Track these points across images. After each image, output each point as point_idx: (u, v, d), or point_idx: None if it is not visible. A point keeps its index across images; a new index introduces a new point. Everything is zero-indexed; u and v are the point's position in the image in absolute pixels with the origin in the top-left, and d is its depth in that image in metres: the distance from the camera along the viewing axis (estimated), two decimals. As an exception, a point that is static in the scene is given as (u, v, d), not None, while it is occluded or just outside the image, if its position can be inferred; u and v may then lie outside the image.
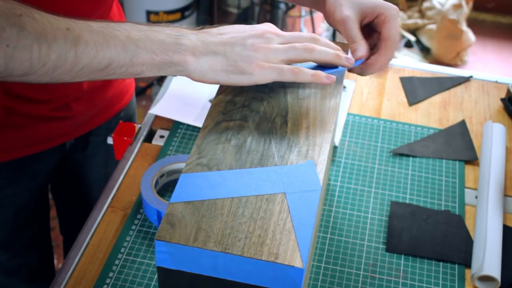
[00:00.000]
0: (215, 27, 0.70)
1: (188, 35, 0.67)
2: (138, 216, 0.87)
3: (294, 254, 0.55)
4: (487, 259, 0.80)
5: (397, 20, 0.77)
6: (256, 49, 0.68)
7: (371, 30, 0.79)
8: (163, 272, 0.60)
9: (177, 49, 0.65)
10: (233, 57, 0.67)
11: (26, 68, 0.60)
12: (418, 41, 2.85)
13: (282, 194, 0.61)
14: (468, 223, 0.89)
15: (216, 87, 1.08)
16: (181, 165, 0.91)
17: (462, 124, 1.06)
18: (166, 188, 0.92)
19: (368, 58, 0.77)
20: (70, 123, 0.97)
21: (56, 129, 0.96)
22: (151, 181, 0.87)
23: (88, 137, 1.05)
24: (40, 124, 0.93)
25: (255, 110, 0.70)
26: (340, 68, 0.73)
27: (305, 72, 0.69)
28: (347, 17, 0.76)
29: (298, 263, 0.55)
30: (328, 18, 0.80)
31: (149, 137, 1.03)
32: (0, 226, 1.01)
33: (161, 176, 0.90)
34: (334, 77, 0.70)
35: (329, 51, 0.71)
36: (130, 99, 1.11)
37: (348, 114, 1.07)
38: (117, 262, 0.81)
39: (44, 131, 0.94)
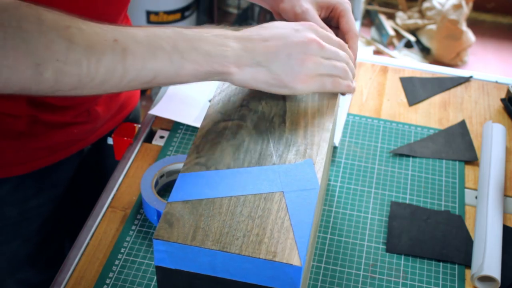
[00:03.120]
0: (256, 27, 0.68)
1: (231, 43, 0.65)
2: (138, 216, 0.87)
3: (292, 253, 0.55)
4: (487, 259, 0.80)
5: (351, 12, 0.79)
6: (301, 63, 0.67)
7: (328, 26, 0.81)
8: (161, 272, 0.60)
9: (222, 62, 0.64)
10: (276, 70, 0.66)
11: (75, 83, 0.58)
12: (418, 41, 2.85)
13: (280, 193, 0.61)
14: (468, 223, 0.89)
15: (215, 87, 1.08)
16: (181, 165, 0.91)
17: (462, 124, 1.06)
18: (166, 188, 0.92)
19: None
20: (88, 128, 0.97)
21: (76, 135, 0.96)
22: (151, 181, 0.87)
23: (102, 141, 1.05)
24: (62, 131, 0.93)
25: (253, 109, 0.70)
26: None
27: (342, 83, 0.70)
28: (307, 10, 0.78)
29: (296, 261, 0.55)
30: (286, 14, 0.81)
31: (149, 137, 1.03)
32: (26, 240, 1.00)
33: (161, 176, 0.90)
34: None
35: (352, 82, 0.73)
36: (137, 102, 1.12)
37: (348, 114, 1.07)
38: (117, 262, 0.81)
39: (65, 137, 0.94)
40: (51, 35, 0.55)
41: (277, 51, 0.66)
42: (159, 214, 0.82)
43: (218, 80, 0.67)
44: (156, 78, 0.62)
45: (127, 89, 0.63)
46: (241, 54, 0.65)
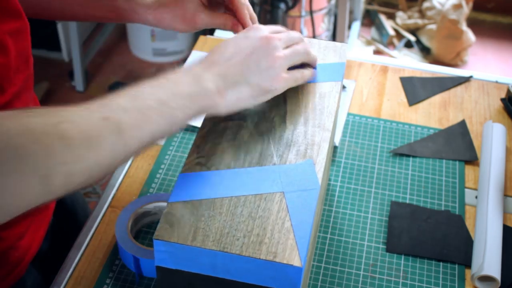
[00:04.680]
0: (210, 53, 0.68)
1: (204, 75, 0.64)
2: (138, 216, 0.87)
3: (293, 253, 0.55)
4: (487, 259, 0.80)
5: None
6: (271, 64, 0.67)
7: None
8: (162, 272, 0.60)
9: (206, 95, 0.63)
10: (255, 81, 0.66)
11: (85, 177, 0.54)
12: (418, 41, 2.85)
13: (280, 193, 0.61)
14: (468, 223, 0.89)
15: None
16: (159, 204, 0.85)
17: (462, 124, 1.06)
18: (146, 230, 0.86)
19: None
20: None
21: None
22: (126, 225, 0.81)
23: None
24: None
25: (253, 109, 0.70)
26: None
27: (307, 74, 0.73)
28: None
29: (296, 261, 0.55)
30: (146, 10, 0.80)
31: (149, 137, 1.03)
32: None
33: (137, 218, 0.84)
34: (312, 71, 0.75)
35: (313, 53, 0.75)
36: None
37: (348, 114, 1.07)
38: (117, 262, 0.81)
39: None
40: (46, 140, 0.50)
41: (246, 63, 0.66)
42: (136, 261, 0.77)
43: (207, 113, 0.67)
44: (154, 138, 0.60)
45: (133, 155, 0.60)
46: (218, 81, 0.65)
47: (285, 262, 0.55)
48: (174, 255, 0.57)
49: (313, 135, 0.67)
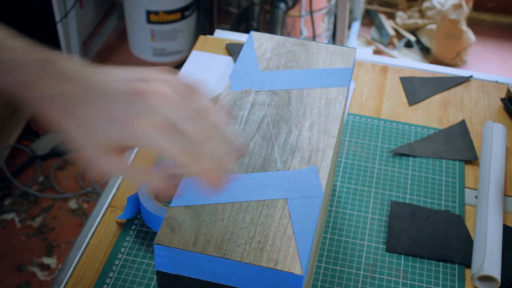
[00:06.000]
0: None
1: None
2: (138, 216, 0.87)
3: (294, 261, 0.55)
4: (487, 259, 0.80)
5: None
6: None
7: None
8: (162, 276, 0.59)
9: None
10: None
11: None
12: (418, 41, 2.85)
13: (283, 200, 0.60)
14: (468, 223, 0.89)
15: (215, 87, 1.07)
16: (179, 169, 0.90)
17: (462, 124, 1.06)
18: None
19: None
20: None
21: None
22: (148, 190, 0.85)
23: None
24: None
25: (258, 114, 0.70)
26: None
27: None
28: None
29: (297, 270, 0.54)
30: None
31: (149, 137, 1.03)
32: None
33: None
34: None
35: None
36: None
37: (348, 114, 1.07)
38: (117, 262, 0.81)
39: None
40: None
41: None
42: (156, 218, 0.81)
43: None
44: None
45: None
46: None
47: (286, 270, 0.54)
48: (174, 260, 0.57)
49: (317, 141, 0.67)
